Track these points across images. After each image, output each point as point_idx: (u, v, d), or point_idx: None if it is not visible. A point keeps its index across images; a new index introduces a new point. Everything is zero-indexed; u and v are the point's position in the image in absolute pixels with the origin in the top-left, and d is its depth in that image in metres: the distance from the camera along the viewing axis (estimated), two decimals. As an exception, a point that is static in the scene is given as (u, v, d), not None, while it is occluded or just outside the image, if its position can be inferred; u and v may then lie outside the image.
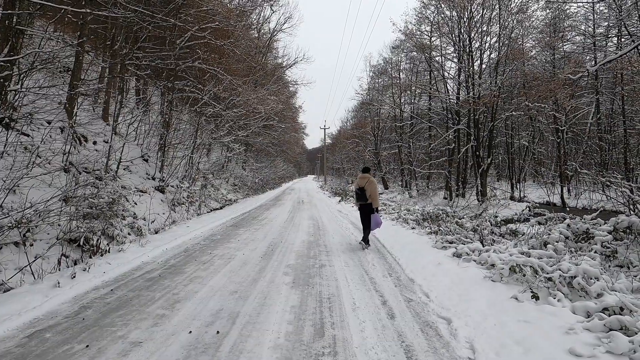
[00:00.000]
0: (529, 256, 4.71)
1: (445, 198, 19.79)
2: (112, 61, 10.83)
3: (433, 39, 21.13)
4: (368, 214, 6.13)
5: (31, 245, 4.43)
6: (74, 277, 4.08)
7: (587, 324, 2.82)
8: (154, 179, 11.74)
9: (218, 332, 2.83)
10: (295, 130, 49.89)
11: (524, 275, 3.89)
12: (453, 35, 18.69)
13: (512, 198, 19.59)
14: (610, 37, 20.75)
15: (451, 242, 5.92)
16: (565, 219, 6.20)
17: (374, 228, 6.15)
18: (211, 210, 13.83)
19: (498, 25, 17.84)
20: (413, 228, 8.02)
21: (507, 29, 17.89)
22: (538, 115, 17.12)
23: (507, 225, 7.59)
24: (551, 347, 2.54)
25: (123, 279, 4.28)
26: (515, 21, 17.78)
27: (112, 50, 10.99)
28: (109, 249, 5.42)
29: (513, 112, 16.93)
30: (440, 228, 7.12)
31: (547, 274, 3.67)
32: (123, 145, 10.04)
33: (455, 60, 18.53)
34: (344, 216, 11.26)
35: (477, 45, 18.25)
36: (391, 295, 3.74)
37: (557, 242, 4.87)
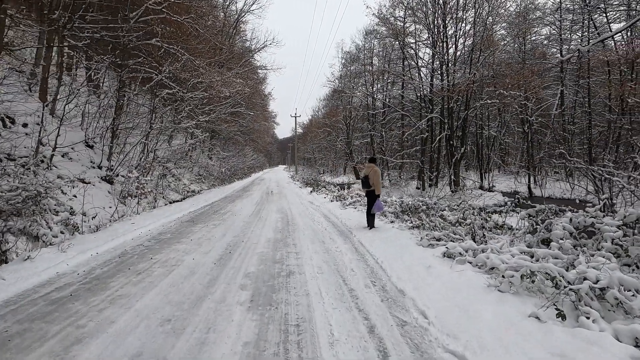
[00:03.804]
0: (532, 256, 4.04)
1: (418, 188, 19.46)
2: (41, 28, 9.12)
3: (407, 24, 20.45)
4: (372, 199, 6.73)
5: None
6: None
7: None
8: (100, 168, 10.26)
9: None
10: (265, 118, 48.17)
11: (533, 282, 3.17)
12: (427, 21, 18.09)
13: (481, 187, 19.54)
14: (576, 31, 21.08)
15: (439, 239, 5.18)
16: (562, 211, 5.64)
17: (374, 211, 6.71)
18: (170, 203, 12.51)
19: (473, 11, 17.41)
20: (392, 222, 7.26)
21: (482, 17, 17.52)
22: (513, 103, 16.94)
23: (492, 217, 7.02)
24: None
25: (15, 302, 3.12)
26: (489, 7, 17.42)
27: (47, 17, 9.22)
28: (7, 257, 4.16)
29: (488, 101, 16.63)
30: (423, 222, 6.38)
31: (570, 283, 2.95)
32: (58, 128, 8.51)
33: (430, 46, 17.95)
34: (315, 208, 10.36)
35: (451, 32, 17.76)
36: (379, 317, 2.87)
37: (561, 239, 4.23)
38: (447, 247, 4.56)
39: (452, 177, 17.13)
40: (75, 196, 7.71)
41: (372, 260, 4.60)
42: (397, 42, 20.89)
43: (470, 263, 4.18)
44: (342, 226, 7.25)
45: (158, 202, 11.64)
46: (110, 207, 8.57)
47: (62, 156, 9.19)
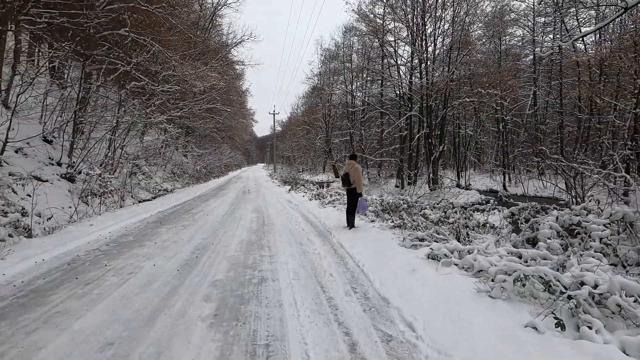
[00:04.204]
0: (520, 257, 3.82)
1: (397, 186, 19.42)
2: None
3: (387, 22, 20.32)
4: (353, 197, 6.44)
5: None
6: None
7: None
8: (60, 164, 9.47)
9: None
10: (243, 116, 47.15)
11: (524, 285, 2.93)
12: (407, 18, 18.02)
13: (458, 186, 19.73)
14: (548, 32, 21.66)
15: (422, 240, 4.91)
16: (544, 209, 5.51)
17: (359, 211, 6.54)
18: (139, 202, 11.80)
19: (452, 9, 17.46)
20: (373, 221, 6.97)
21: (460, 16, 17.61)
22: (490, 102, 17.13)
23: (474, 215, 6.87)
24: None
25: None
26: (467, 7, 17.53)
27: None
28: None
29: (466, 99, 16.73)
30: (405, 221, 6.13)
31: (566, 287, 2.72)
32: (10, 119, 7.70)
33: (410, 43, 17.88)
34: (294, 207, 9.97)
35: (430, 30, 17.77)
36: (361, 332, 2.52)
37: (549, 238, 4.04)
38: (431, 248, 4.30)
39: (431, 175, 17.16)
40: (29, 195, 6.99)
41: (352, 264, 4.26)
42: (377, 40, 20.77)
43: (457, 265, 3.92)
44: (321, 226, 6.90)
45: (125, 201, 10.92)
46: (70, 207, 7.86)
47: (16, 152, 8.38)
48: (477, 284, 3.33)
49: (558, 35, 22.29)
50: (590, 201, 4.62)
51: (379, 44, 21.01)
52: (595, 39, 19.28)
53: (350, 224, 6.47)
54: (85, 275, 3.74)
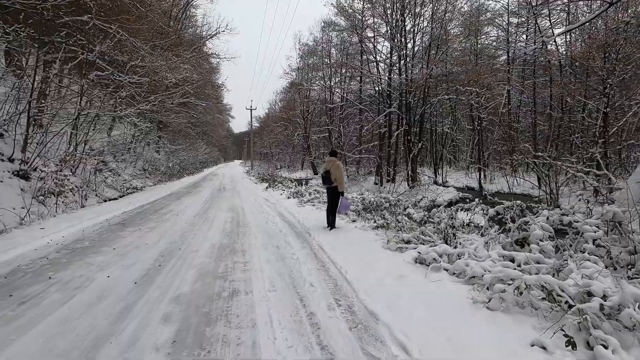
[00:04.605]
0: (513, 260, 3.59)
1: (376, 183, 19.29)
2: None
3: (366, 17, 20.07)
4: (334, 196, 6.08)
5: None
6: None
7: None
8: (11, 160, 8.60)
9: None
10: (219, 111, 45.81)
11: (521, 294, 2.67)
12: (386, 14, 17.83)
13: (435, 183, 19.85)
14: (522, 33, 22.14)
15: (408, 242, 4.62)
16: (529, 207, 5.35)
17: (341, 211, 6.18)
18: (105, 201, 11.04)
19: (431, 6, 17.41)
20: (354, 221, 6.65)
21: (438, 13, 17.59)
22: (470, 99, 17.24)
23: (457, 214, 6.68)
24: None
25: None
26: (446, 4, 17.54)
27: None
28: None
29: (445, 96, 16.75)
30: (389, 222, 5.84)
31: (571, 298, 2.46)
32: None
33: (389, 39, 17.68)
34: (271, 206, 9.50)
35: (409, 27, 17.66)
36: (348, 356, 2.16)
37: (541, 240, 3.83)
38: (419, 252, 4.00)
39: (410, 172, 17.11)
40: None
41: (334, 270, 3.89)
42: (356, 35, 20.49)
43: (447, 270, 3.64)
44: (299, 227, 6.50)
45: (88, 200, 10.13)
46: (22, 208, 7.11)
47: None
48: (471, 292, 3.05)
49: (530, 37, 22.86)
50: (579, 200, 4.47)
51: (358, 39, 20.75)
52: (566, 39, 19.84)
53: (331, 224, 6.11)
54: (22, 291, 3.17)
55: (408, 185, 16.62)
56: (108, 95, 12.44)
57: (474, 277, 3.31)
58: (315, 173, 29.86)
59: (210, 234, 5.77)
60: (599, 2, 14.07)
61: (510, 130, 22.36)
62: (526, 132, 23.72)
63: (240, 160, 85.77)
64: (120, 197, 12.27)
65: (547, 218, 4.17)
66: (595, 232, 3.74)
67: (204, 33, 29.52)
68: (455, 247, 4.22)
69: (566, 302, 2.47)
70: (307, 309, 2.83)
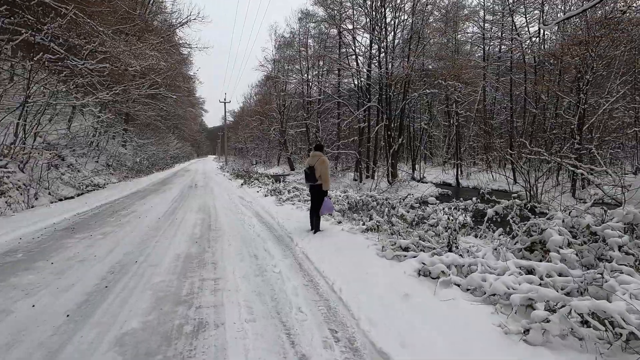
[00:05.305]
0: (531, 272, 3.09)
1: (355, 180, 18.84)
2: None
3: (345, 8, 19.41)
4: (318, 196, 5.39)
5: None
6: None
7: None
8: (-61, 154, 7.34)
9: None
10: (192, 104, 43.83)
11: (547, 322, 2.16)
12: (366, 5, 17.28)
13: (413, 179, 19.67)
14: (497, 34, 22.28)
15: (406, 249, 4.05)
16: (527, 207, 4.93)
17: (323, 213, 5.42)
18: (59, 200, 9.91)
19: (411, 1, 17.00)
20: (340, 222, 6.04)
21: (419, 6, 17.22)
22: (451, 95, 17.04)
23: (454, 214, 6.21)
24: None
25: None
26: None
27: None
28: None
29: (427, 90, 16.45)
30: (380, 224, 5.26)
31: (637, 328, 1.95)
32: None
33: (369, 30, 17.13)
34: (246, 205, 8.73)
35: (389, 19, 17.19)
36: None
37: (560, 247, 3.36)
38: (422, 263, 3.43)
39: (390, 168, 16.74)
40: None
41: (325, 287, 3.25)
42: (335, 27, 19.82)
43: (458, 286, 3.09)
44: (279, 230, 5.81)
45: (39, 199, 8.98)
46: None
47: None
48: (496, 316, 2.51)
49: (505, 34, 23.11)
50: (593, 200, 4.05)
51: (336, 31, 20.10)
52: (538, 37, 20.08)
53: (315, 227, 5.46)
54: None
55: (388, 181, 16.26)
56: (62, 81, 11.12)
57: (494, 294, 2.77)
58: (292, 169, 29.07)
59: (176, 240, 4.96)
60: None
61: (485, 127, 22.58)
62: (500, 128, 24.06)
63: (215, 156, 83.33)
64: (79, 195, 11.10)
65: (562, 221, 3.71)
66: (620, 237, 3.31)
67: (173, 21, 27.81)
68: (462, 255, 3.69)
69: (631, 332, 1.95)
70: (296, 349, 2.17)
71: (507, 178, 17.48)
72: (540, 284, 2.82)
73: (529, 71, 19.54)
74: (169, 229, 5.80)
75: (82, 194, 11.40)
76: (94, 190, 12.36)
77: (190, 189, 13.01)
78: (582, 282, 2.77)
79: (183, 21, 26.95)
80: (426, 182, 18.40)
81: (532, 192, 10.57)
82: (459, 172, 20.47)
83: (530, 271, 3.16)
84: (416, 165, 22.76)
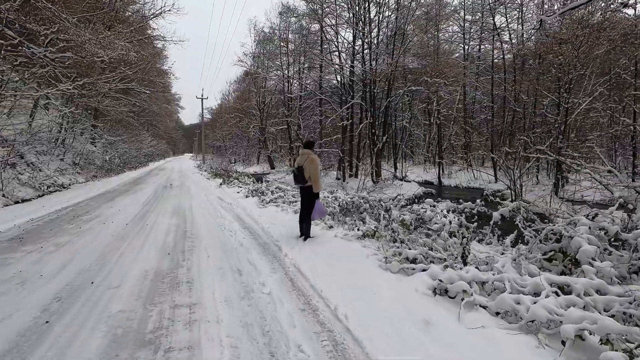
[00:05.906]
0: (562, 289, 2.66)
1: (338, 179, 18.39)
2: None
3: (329, 2, 18.83)
4: (308, 198, 4.87)
5: None
6: None
7: None
8: None
9: None
10: (167, 101, 42.03)
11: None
12: (348, 1, 16.79)
13: (396, 177, 19.44)
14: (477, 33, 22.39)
15: (414, 261, 3.55)
16: (536, 213, 4.55)
17: (315, 217, 4.89)
18: (15, 203, 8.97)
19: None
20: (331, 227, 5.49)
21: (403, 2, 16.89)
22: (435, 93, 16.82)
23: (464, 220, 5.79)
24: None
25: None
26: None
27: None
28: None
29: (412, 87, 16.15)
30: (378, 230, 4.75)
31: None
32: None
33: (353, 25, 16.65)
34: (226, 207, 8.02)
35: (373, 14, 16.78)
36: None
37: (593, 259, 2.94)
38: (440, 280, 2.93)
39: (374, 167, 16.37)
40: None
41: (327, 312, 2.69)
42: (317, 22, 19.23)
43: (485, 308, 2.61)
44: (265, 236, 5.19)
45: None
46: None
47: None
48: (542, 351, 2.04)
49: (484, 34, 23.30)
50: (618, 203, 3.69)
51: (318, 26, 19.51)
52: (516, 37, 20.27)
53: (305, 233, 4.87)
54: None
55: (373, 180, 15.89)
56: (15, 70, 9.97)
57: (533, 321, 2.30)
58: (273, 167, 28.28)
59: (144, 253, 4.26)
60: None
61: (465, 126, 22.67)
62: (480, 127, 24.26)
63: (191, 154, 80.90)
64: (39, 197, 10.08)
65: (589, 228, 3.31)
66: (655, 246, 2.93)
67: (146, 12, 26.33)
68: (478, 268, 3.22)
69: None
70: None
71: (489, 176, 17.60)
72: (584, 307, 2.39)
73: (509, 71, 19.73)
74: (136, 237, 5.06)
75: (42, 195, 10.36)
76: (57, 191, 11.29)
77: (165, 189, 12.10)
78: (631, 302, 2.35)
79: (157, 12, 25.57)
80: (409, 181, 18.17)
81: (516, 190, 10.45)
82: (441, 171, 20.40)
83: (561, 287, 2.74)
84: (397, 164, 22.57)
